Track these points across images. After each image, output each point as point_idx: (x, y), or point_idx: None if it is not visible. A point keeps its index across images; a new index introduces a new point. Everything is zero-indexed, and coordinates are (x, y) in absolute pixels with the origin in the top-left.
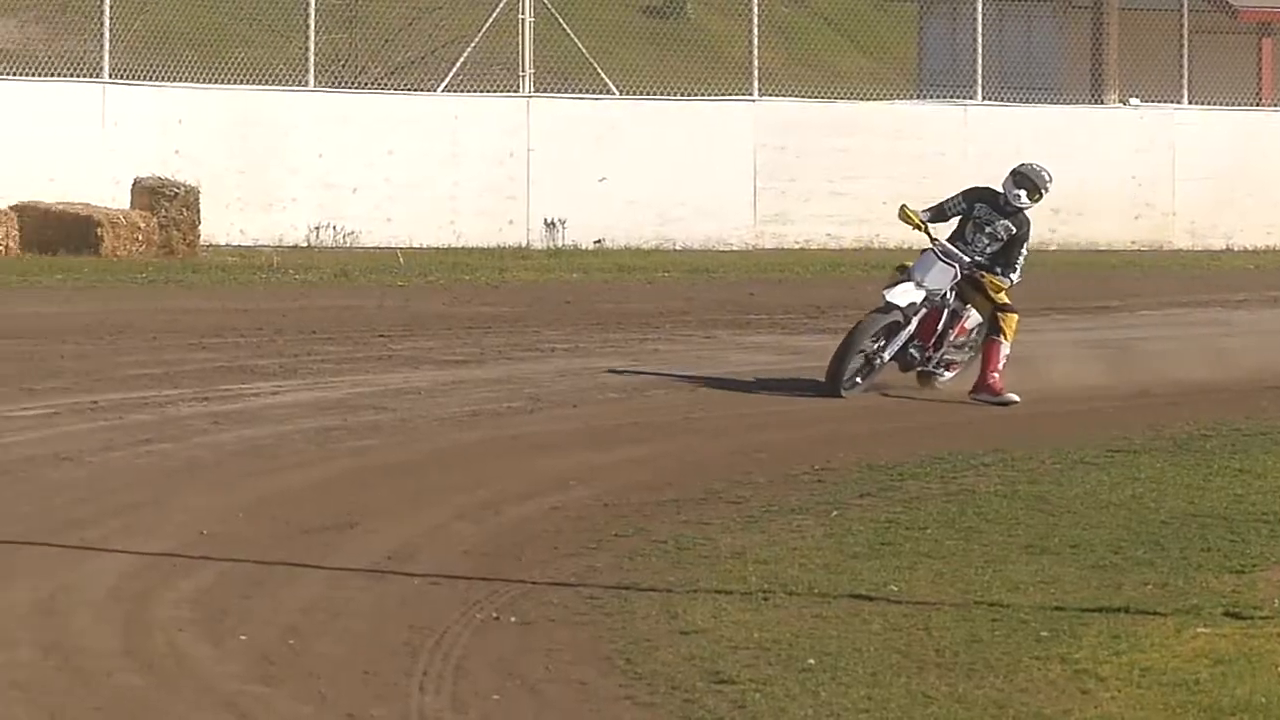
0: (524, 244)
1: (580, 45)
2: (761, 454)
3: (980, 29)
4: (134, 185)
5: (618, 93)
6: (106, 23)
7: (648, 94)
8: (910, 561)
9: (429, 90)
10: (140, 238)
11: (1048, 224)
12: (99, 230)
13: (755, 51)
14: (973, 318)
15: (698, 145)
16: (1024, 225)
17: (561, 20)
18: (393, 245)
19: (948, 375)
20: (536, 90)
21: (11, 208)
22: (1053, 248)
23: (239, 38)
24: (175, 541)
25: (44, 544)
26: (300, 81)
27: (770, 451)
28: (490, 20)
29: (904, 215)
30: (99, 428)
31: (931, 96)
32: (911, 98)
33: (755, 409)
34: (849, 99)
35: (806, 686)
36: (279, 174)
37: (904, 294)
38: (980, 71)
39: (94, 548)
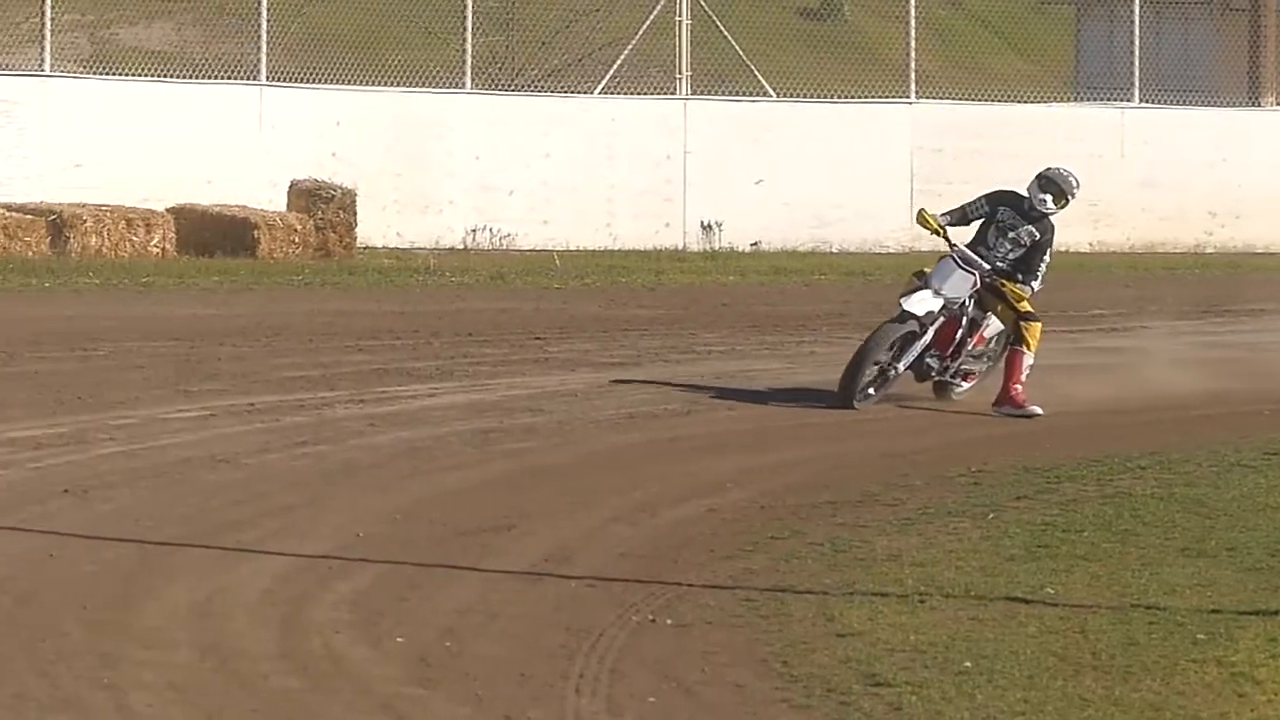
0: (680, 246)
1: (737, 47)
2: (918, 456)
3: (1138, 31)
4: (290, 187)
5: (774, 95)
6: (264, 25)
7: (804, 96)
8: (1066, 564)
9: (586, 92)
10: (296, 240)
11: (1204, 226)
12: (255, 232)
13: (912, 54)
14: (992, 326)
15: (854, 147)
16: (1048, 231)
17: (718, 22)
18: (549, 248)
19: (965, 386)
20: (693, 92)
21: (169, 210)
22: (1209, 250)
23: (395, 40)
24: (332, 543)
25: (201, 546)
26: (457, 84)
27: (927, 454)
28: (647, 22)
29: (922, 220)
30: (255, 430)
31: (1088, 99)
32: (1068, 100)
33: (911, 411)
34: (1005, 101)
35: (963, 689)
36: (436, 176)
37: (921, 302)
38: (1138, 74)
39: (250, 550)
